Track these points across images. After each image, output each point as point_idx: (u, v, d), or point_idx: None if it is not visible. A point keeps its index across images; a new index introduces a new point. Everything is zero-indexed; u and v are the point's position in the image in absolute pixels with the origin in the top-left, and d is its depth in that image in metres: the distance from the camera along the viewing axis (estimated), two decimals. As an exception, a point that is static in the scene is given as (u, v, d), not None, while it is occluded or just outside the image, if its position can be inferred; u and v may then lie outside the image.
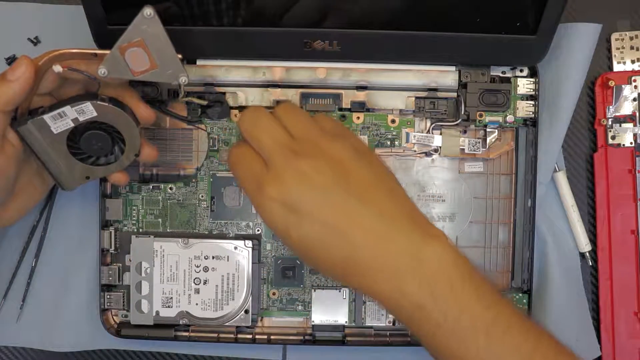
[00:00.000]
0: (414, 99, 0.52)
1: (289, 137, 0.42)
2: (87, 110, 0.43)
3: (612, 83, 0.53)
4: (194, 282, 0.51)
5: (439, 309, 0.39)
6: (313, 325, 0.52)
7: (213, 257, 0.51)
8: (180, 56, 0.42)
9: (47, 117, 0.43)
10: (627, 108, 0.54)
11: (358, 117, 0.52)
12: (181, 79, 0.43)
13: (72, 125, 0.44)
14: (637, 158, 0.53)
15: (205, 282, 0.51)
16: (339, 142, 0.42)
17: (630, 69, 0.54)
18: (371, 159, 0.43)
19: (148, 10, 0.40)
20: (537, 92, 0.51)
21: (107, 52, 0.42)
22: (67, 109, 0.43)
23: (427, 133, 0.52)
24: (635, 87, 0.53)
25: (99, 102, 0.43)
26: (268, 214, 0.41)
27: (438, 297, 0.39)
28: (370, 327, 0.53)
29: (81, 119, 0.44)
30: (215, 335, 0.52)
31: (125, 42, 0.41)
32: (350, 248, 0.40)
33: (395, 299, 0.40)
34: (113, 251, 0.52)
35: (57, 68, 0.42)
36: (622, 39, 0.54)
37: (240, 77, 0.50)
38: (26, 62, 0.41)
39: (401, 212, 0.41)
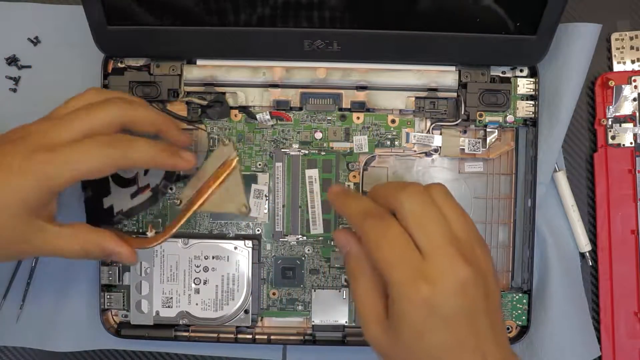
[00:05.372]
0: (414, 99, 0.52)
1: (452, 234, 0.39)
2: None
3: (612, 83, 0.53)
4: (194, 282, 0.51)
5: None
6: (313, 326, 0.52)
7: (213, 257, 0.51)
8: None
9: None
10: (627, 108, 0.54)
11: (358, 117, 0.52)
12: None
13: None
14: (637, 158, 0.53)
15: (205, 282, 0.51)
16: (485, 250, 0.40)
17: (630, 69, 0.54)
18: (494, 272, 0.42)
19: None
20: (537, 92, 0.51)
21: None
22: None
23: (427, 133, 0.52)
24: (635, 87, 0.53)
25: None
26: (409, 309, 0.38)
27: None
28: (370, 327, 0.53)
29: None
30: (215, 335, 0.52)
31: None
32: None
33: None
34: (113, 251, 0.52)
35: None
36: (622, 39, 0.54)
37: (240, 77, 0.50)
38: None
39: (506, 339, 0.40)
